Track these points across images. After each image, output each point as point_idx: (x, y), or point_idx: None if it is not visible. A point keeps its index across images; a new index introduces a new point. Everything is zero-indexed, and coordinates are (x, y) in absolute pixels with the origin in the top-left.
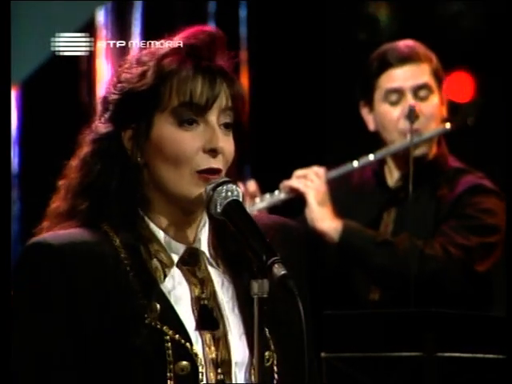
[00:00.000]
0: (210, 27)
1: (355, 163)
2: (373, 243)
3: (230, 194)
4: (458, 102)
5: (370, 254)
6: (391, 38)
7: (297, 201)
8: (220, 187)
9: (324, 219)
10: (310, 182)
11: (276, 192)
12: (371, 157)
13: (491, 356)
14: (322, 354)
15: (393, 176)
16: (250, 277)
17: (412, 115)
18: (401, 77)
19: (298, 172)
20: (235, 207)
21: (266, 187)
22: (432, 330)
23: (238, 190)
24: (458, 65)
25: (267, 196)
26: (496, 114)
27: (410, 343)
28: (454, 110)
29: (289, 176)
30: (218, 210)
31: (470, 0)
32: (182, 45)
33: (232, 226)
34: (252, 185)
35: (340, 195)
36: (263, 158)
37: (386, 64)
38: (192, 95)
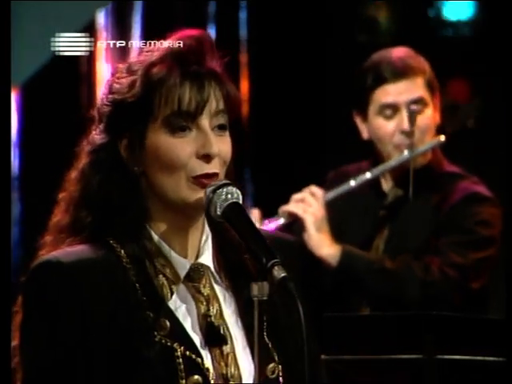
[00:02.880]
0: (197, 30)
1: (352, 183)
2: (370, 270)
3: (229, 196)
4: (457, 104)
5: (368, 281)
6: (391, 40)
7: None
8: (220, 190)
9: (322, 246)
10: (308, 206)
11: (275, 218)
12: (368, 175)
13: (491, 358)
14: (322, 357)
15: (388, 182)
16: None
17: (413, 118)
18: (395, 92)
19: (296, 196)
20: (235, 210)
21: (266, 189)
22: (432, 333)
23: (238, 193)
24: (457, 67)
25: (267, 222)
26: (495, 116)
27: (409, 346)
28: (453, 111)
29: (288, 179)
30: (218, 213)
31: (470, 3)
32: (169, 52)
33: (232, 229)
34: (256, 213)
35: (336, 200)
36: (263, 161)
37: (380, 79)
38: (180, 103)
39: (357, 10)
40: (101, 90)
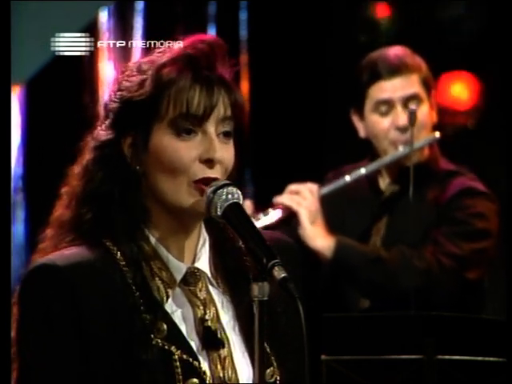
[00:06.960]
0: (210, 36)
1: (347, 178)
2: (365, 260)
3: (230, 196)
4: (457, 109)
5: (363, 272)
6: (391, 41)
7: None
8: (220, 190)
9: (316, 238)
10: (303, 199)
11: (270, 210)
12: (363, 170)
13: (491, 359)
14: (322, 357)
15: (385, 179)
16: (250, 296)
17: (412, 118)
18: (390, 88)
19: (292, 187)
20: (235, 210)
21: (266, 190)
22: (432, 333)
23: (238, 193)
24: (458, 68)
25: (261, 216)
26: (495, 116)
27: (410, 346)
28: (454, 113)
29: (288, 179)
30: (219, 213)
31: (469, 3)
32: (181, 54)
33: (232, 229)
34: (248, 205)
35: (333, 197)
36: (264, 162)
37: (376, 75)
38: (189, 106)
39: (357, 10)
40: (109, 87)
